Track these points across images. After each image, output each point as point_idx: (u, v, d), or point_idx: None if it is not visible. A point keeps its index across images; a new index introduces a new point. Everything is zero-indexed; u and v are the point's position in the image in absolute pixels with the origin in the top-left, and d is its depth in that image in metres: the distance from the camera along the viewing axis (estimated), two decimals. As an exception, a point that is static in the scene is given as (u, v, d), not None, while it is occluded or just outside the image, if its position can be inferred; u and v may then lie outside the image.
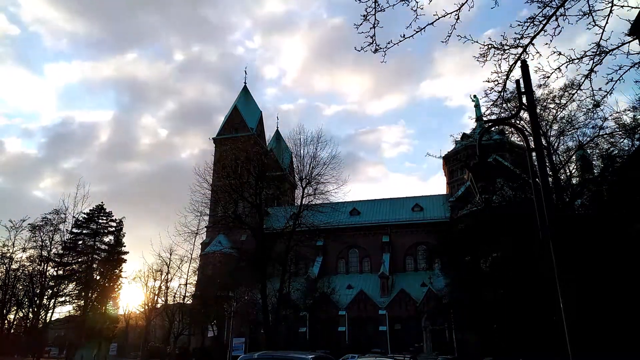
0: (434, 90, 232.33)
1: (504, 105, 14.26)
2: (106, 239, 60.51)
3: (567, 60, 7.88)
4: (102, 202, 61.99)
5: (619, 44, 7.69)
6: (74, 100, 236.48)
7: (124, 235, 61.83)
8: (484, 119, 12.88)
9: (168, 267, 55.13)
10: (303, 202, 36.51)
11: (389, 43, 7.41)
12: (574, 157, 22.84)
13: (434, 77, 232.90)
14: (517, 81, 7.28)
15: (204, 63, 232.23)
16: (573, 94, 12.97)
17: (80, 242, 58.85)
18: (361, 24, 7.15)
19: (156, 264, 55.56)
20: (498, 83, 8.26)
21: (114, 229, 61.14)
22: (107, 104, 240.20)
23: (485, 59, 7.96)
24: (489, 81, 8.31)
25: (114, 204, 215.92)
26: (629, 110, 17.27)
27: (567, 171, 22.65)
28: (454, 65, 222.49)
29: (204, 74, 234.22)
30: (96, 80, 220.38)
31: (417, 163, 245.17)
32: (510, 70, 8.05)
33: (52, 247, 53.00)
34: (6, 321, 54.77)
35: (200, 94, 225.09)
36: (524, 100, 7.17)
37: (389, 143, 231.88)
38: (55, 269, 54.61)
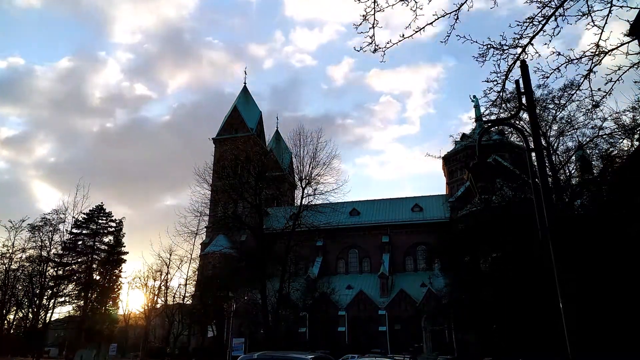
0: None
1: (504, 105, 14.30)
2: (106, 239, 60.69)
3: (566, 60, 7.88)
4: (101, 203, 62.22)
5: (618, 45, 7.69)
6: (11, 38, 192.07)
7: (123, 236, 62.02)
8: (484, 119, 12.90)
9: (168, 267, 55.26)
10: (303, 203, 36.56)
11: (387, 43, 7.41)
12: (573, 157, 22.88)
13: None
14: (517, 81, 7.28)
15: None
16: (572, 95, 13.00)
17: (79, 242, 58.94)
18: (360, 24, 7.15)
19: (156, 264, 55.67)
20: (497, 83, 8.25)
21: (113, 229, 61.28)
22: (57, 45, 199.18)
23: (484, 59, 7.96)
24: (488, 81, 8.30)
25: (71, 174, 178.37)
26: (628, 110, 17.29)
27: (567, 171, 22.70)
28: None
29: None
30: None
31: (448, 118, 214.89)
32: (509, 71, 8.05)
33: (51, 247, 53.15)
34: (6, 321, 54.82)
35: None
36: (524, 100, 7.17)
37: (418, 91, 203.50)
38: (55, 269, 54.66)
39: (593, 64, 7.82)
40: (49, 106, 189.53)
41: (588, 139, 21.39)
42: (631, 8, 7.32)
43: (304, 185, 36.50)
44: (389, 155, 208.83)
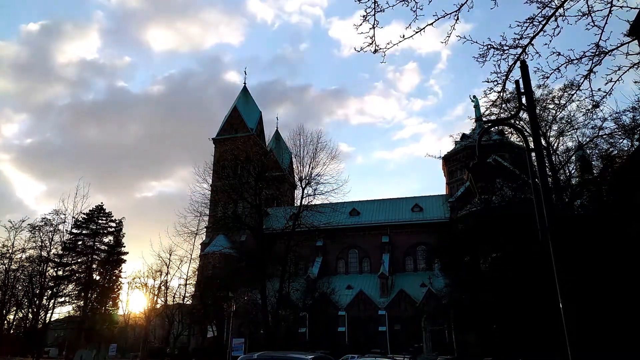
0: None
1: (504, 105, 14.32)
2: (106, 240, 60.70)
3: (567, 60, 7.88)
4: (101, 203, 62.27)
5: (618, 45, 7.70)
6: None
7: (123, 236, 62.07)
8: (484, 119, 12.91)
9: (168, 267, 55.27)
10: (303, 203, 36.58)
11: (388, 43, 7.41)
12: (573, 157, 22.88)
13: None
14: (517, 82, 7.28)
15: None
16: (572, 95, 12.99)
17: (79, 242, 58.94)
18: (361, 24, 7.14)
19: (156, 264, 55.70)
20: (497, 83, 8.25)
21: (113, 229, 61.30)
22: (23, 7, 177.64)
23: (484, 59, 7.96)
24: (488, 81, 8.30)
25: (45, 156, 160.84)
26: (628, 110, 17.32)
27: (567, 171, 22.71)
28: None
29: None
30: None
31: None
32: (509, 71, 8.05)
33: (51, 247, 53.13)
34: (6, 321, 54.78)
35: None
36: (524, 100, 7.17)
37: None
38: (55, 269, 54.67)
39: (593, 64, 7.83)
40: (15, 77, 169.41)
41: (588, 139, 21.41)
42: (631, 8, 7.33)
43: (304, 186, 36.57)
44: (402, 133, 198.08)
